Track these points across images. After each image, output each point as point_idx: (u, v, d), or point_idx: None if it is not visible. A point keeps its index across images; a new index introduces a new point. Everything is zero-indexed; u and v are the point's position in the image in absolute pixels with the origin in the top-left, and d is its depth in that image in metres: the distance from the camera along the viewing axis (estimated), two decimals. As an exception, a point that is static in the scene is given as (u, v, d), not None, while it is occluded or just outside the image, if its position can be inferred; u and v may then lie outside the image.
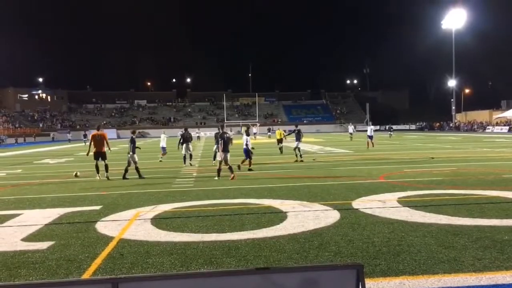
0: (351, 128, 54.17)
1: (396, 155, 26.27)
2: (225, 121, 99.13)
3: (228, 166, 16.67)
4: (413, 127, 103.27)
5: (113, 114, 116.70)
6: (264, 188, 13.38)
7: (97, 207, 10.83)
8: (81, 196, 12.71)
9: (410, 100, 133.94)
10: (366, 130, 39.21)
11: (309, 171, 18.05)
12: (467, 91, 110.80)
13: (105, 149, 18.15)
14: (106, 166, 18.15)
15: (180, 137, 23.37)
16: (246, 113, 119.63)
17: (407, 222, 8.62)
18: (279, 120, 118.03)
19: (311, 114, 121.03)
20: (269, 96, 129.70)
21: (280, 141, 30.96)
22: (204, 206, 10.88)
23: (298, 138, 23.93)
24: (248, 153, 20.17)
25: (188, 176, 17.61)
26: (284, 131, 33.84)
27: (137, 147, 18.62)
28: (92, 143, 18.16)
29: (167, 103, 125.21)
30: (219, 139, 17.09)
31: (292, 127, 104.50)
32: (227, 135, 17.24)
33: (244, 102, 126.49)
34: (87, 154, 18.69)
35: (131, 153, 17.92)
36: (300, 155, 23.79)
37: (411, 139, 49.65)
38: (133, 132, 18.82)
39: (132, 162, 17.88)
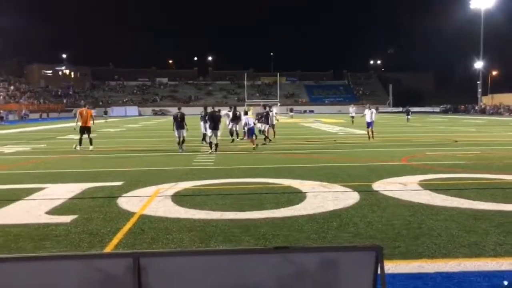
0: (352, 110, 46.87)
1: (419, 138, 25.69)
2: (246, 101, 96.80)
3: (215, 143, 17.85)
4: (437, 109, 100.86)
5: (134, 91, 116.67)
6: (284, 168, 13.21)
7: (119, 183, 10.84)
8: (104, 172, 12.80)
9: (435, 82, 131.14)
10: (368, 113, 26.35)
11: (329, 153, 17.62)
12: (494, 73, 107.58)
13: (90, 123, 20.23)
14: (91, 140, 20.40)
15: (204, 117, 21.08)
16: (267, 93, 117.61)
17: (428, 205, 8.48)
18: (301, 100, 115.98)
19: (332, 95, 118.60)
20: (290, 76, 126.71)
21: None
22: (223, 184, 10.84)
23: (266, 121, 23.04)
24: (253, 132, 20.59)
25: (209, 154, 17.53)
26: (304, 111, 33.82)
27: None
28: (79, 118, 20.31)
29: (189, 81, 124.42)
30: (208, 117, 18.36)
31: (311, 108, 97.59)
32: (218, 113, 18.43)
33: (265, 82, 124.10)
34: (74, 128, 21.22)
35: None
36: (266, 137, 22.88)
37: (434, 122, 48.66)
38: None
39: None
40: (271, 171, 12.84)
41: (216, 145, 17.85)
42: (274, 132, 24.47)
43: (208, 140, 20.83)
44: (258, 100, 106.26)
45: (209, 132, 18.28)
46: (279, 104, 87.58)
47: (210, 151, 17.67)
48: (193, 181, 11.23)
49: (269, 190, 9.94)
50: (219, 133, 18.54)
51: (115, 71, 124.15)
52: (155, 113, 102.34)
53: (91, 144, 20.12)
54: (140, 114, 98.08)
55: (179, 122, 18.85)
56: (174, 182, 10.91)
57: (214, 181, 11.17)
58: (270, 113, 23.48)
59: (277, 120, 26.43)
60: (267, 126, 22.96)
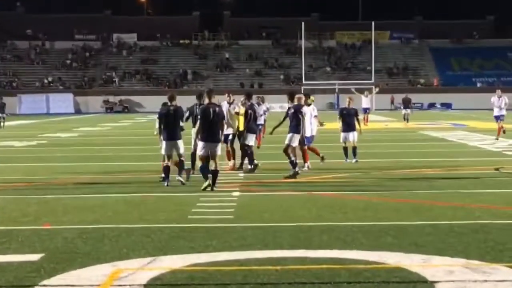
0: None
1: None
2: (304, 82, 60.01)
3: (213, 168, 11.45)
4: None
5: (67, 62, 70.28)
6: (382, 227, 8.49)
7: (35, 257, 6.54)
8: (4, 233, 8.41)
9: None
10: None
11: (483, 195, 11.53)
12: None
13: None
14: None
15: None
16: (349, 63, 70.35)
17: None
18: (423, 79, 67.99)
19: (492, 69, 67.78)
20: (400, 29, 73.73)
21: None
22: (256, 262, 6.42)
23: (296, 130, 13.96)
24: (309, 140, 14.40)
25: (226, 189, 11.92)
26: (432, 106, 25.85)
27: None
28: None
29: (181, 41, 72.90)
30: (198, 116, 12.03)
31: (445, 98, 52.16)
32: (216, 109, 11.91)
33: (345, 41, 73.66)
34: None
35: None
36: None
37: None
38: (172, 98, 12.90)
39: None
40: (355, 231, 8.19)
41: (214, 175, 11.73)
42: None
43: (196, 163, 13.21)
44: (330, 79, 65.12)
45: (200, 148, 12.07)
46: (376, 88, 45.99)
47: (207, 183, 11.77)
48: (191, 254, 6.58)
49: (355, 276, 5.91)
50: (219, 150, 12.09)
51: (26, 21, 72.95)
52: (109, 108, 63.75)
53: None
54: (78, 111, 63.02)
55: (172, 125, 12.39)
56: (150, 257, 6.55)
57: (233, 255, 6.91)
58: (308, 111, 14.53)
59: (322, 125, 16.73)
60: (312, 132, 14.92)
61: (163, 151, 12.44)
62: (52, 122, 46.01)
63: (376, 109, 54.54)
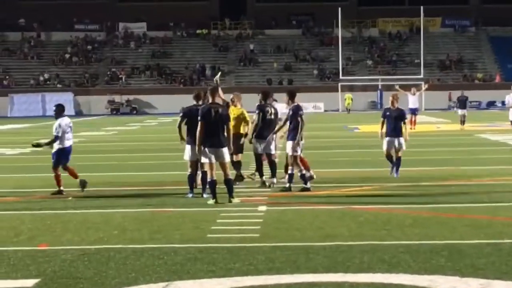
0: None
1: None
2: (341, 77, 61.77)
3: (226, 178, 12.21)
4: None
5: (66, 56, 72.27)
6: (433, 247, 8.68)
7: (29, 282, 7.25)
8: None
9: None
10: None
11: None
12: None
13: None
14: None
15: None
16: (394, 55, 71.79)
17: None
18: (481, 75, 68.54)
19: None
20: (453, 16, 75.13)
21: None
22: None
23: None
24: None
25: (250, 203, 12.55)
26: (492, 104, 26.62)
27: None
28: None
29: (197, 31, 75.29)
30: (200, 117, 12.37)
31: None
32: (220, 110, 12.45)
33: (389, 30, 75.48)
34: None
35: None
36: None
37: None
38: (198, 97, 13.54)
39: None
40: (401, 251, 8.47)
41: (228, 181, 12.45)
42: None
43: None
44: (372, 74, 66.80)
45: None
46: (425, 85, 45.73)
47: (209, 198, 12.58)
48: (210, 278, 7.30)
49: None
50: (227, 157, 12.59)
51: (18, 9, 74.91)
52: (115, 110, 66.36)
53: None
54: (79, 113, 64.31)
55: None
56: (163, 283, 7.13)
57: (262, 281, 7.19)
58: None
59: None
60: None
61: (187, 157, 13.02)
62: (49, 126, 47.54)
63: (426, 109, 54.63)
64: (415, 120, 33.59)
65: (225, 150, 12.23)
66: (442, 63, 70.18)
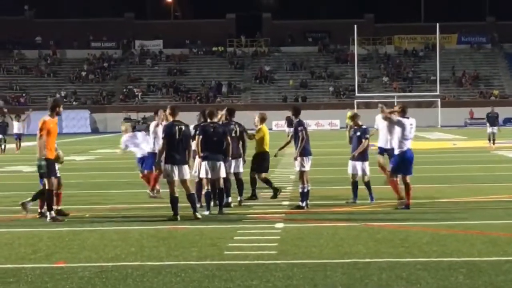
0: None
1: None
2: (357, 94, 62.49)
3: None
4: None
5: (82, 74, 72.98)
6: (451, 264, 8.46)
7: None
8: (12, 271, 8.70)
9: None
10: None
11: None
12: None
13: None
14: None
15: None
16: (410, 71, 72.12)
17: None
18: (497, 90, 68.65)
19: None
20: (468, 32, 75.91)
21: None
22: None
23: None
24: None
25: (268, 220, 12.37)
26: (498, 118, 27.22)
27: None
28: None
29: (213, 48, 76.40)
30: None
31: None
32: (183, 128, 12.64)
33: (405, 46, 75.75)
34: None
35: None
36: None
37: None
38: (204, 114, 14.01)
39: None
40: (419, 268, 8.20)
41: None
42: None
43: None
44: (387, 90, 67.18)
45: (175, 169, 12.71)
46: (440, 101, 52.90)
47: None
48: None
49: None
50: (187, 175, 12.82)
51: (35, 27, 75.59)
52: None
53: None
54: (95, 130, 66.36)
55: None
56: None
57: None
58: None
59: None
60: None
61: (203, 174, 13.07)
62: (66, 144, 46.86)
63: (442, 126, 53.97)
64: None
65: (186, 167, 12.38)
66: (458, 80, 70.56)
